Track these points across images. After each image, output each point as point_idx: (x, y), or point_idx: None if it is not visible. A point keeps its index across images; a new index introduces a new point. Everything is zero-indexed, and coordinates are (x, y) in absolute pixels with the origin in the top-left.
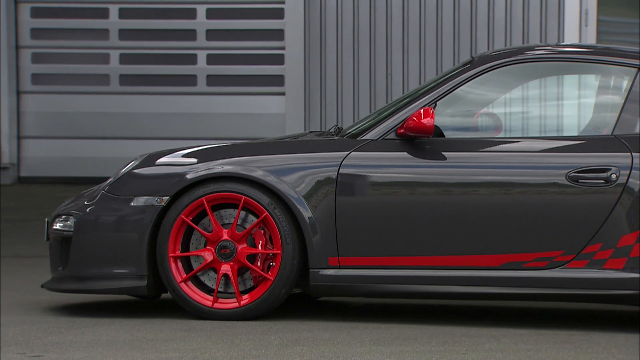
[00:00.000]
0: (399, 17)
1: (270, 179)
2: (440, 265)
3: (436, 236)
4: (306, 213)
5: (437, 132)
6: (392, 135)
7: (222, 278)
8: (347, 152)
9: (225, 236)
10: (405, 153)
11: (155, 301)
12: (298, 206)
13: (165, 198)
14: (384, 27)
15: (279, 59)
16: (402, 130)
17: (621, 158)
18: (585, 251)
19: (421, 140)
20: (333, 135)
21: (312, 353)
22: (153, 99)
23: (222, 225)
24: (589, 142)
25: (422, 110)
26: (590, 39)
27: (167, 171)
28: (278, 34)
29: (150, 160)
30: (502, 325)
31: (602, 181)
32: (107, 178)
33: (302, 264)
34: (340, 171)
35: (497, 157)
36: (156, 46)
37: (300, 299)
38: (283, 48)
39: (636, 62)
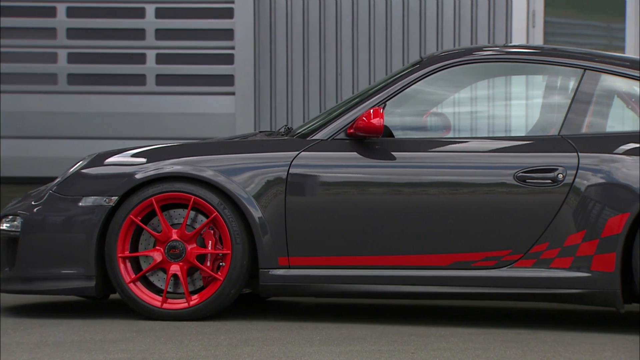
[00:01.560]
0: (349, 18)
1: (220, 179)
2: (390, 264)
3: (386, 236)
4: (256, 213)
5: (387, 132)
6: (341, 135)
7: (172, 278)
8: (297, 152)
9: (174, 236)
10: (355, 153)
11: (104, 302)
12: (248, 206)
13: (114, 198)
14: (334, 27)
15: (228, 59)
16: (351, 130)
17: (568, 158)
18: (532, 250)
19: (371, 140)
20: (283, 135)
21: (261, 353)
22: (102, 98)
23: (171, 225)
24: (536, 142)
25: (371, 111)
26: (538, 39)
27: (115, 171)
28: (227, 34)
29: (98, 160)
30: (451, 325)
31: (549, 181)
32: (55, 178)
33: (252, 264)
34: (290, 171)
35: (446, 157)
36: (105, 45)
37: (250, 299)
38: (233, 48)
39: (582, 63)
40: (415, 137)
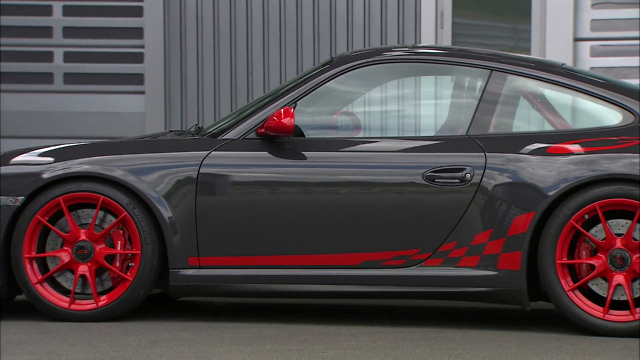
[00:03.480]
0: (259, 17)
1: (130, 179)
2: (301, 264)
3: (296, 235)
4: (166, 213)
5: (298, 131)
6: (252, 135)
7: (80, 279)
8: (208, 152)
9: (82, 236)
10: (266, 153)
11: (10, 303)
12: (158, 206)
13: (20, 198)
14: (245, 26)
15: (138, 58)
16: (262, 130)
17: (475, 158)
18: (440, 249)
19: (282, 140)
20: (193, 134)
21: (171, 353)
22: (7, 97)
23: (79, 225)
24: (444, 142)
25: (282, 110)
26: (446, 40)
27: (22, 170)
28: (137, 32)
29: (4, 159)
30: (361, 323)
31: (457, 181)
32: None
33: (162, 264)
34: (201, 171)
35: (356, 157)
36: (10, 43)
37: (160, 300)
38: (142, 46)
39: (489, 63)
40: (326, 136)
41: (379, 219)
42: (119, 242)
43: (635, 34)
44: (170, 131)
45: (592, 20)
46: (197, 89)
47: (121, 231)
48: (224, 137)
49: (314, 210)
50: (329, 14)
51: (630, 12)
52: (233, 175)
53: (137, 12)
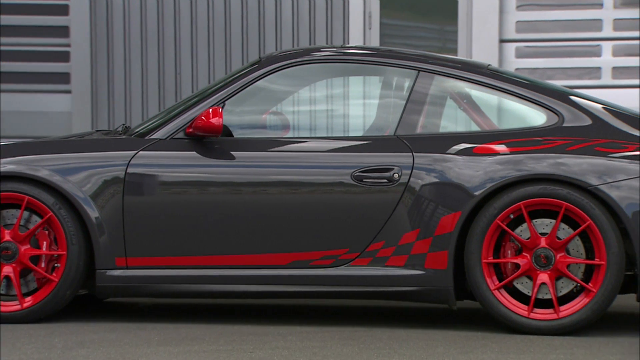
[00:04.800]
0: (187, 16)
1: (56, 179)
2: (229, 264)
3: (225, 235)
4: (93, 213)
5: (226, 131)
6: (180, 135)
7: (4, 280)
8: (135, 152)
9: (7, 237)
10: (194, 152)
11: None
12: (84, 206)
13: None
14: (172, 25)
15: (64, 57)
16: (190, 130)
17: (403, 158)
18: (369, 249)
19: (210, 140)
20: (121, 134)
21: (97, 355)
22: None
23: (4, 226)
24: (373, 143)
25: (210, 110)
26: (374, 41)
27: None
28: (63, 31)
29: None
30: (289, 323)
31: (386, 180)
32: None
33: (88, 264)
34: (128, 170)
35: (285, 157)
36: None
37: (87, 301)
38: (68, 45)
39: (417, 64)
40: (255, 136)
41: (308, 219)
42: (45, 242)
43: (559, 35)
44: (97, 131)
45: (517, 21)
46: (124, 89)
47: (47, 232)
48: (151, 137)
49: (242, 210)
50: (258, 13)
51: (555, 14)
52: (161, 175)
53: (63, 10)
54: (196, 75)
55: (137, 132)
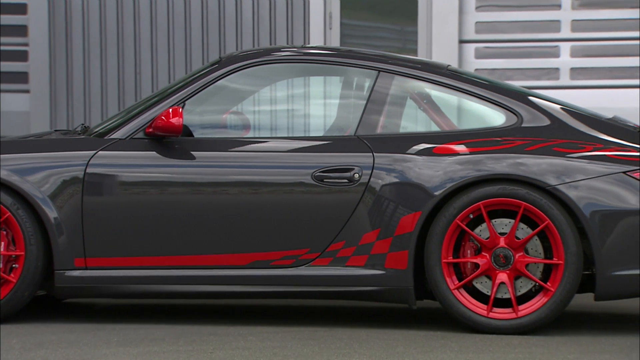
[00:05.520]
0: (147, 16)
1: (14, 179)
2: (190, 264)
3: (185, 236)
4: (51, 213)
5: (186, 131)
6: (140, 135)
7: None
8: (94, 152)
9: None
10: (154, 152)
11: None
12: (43, 206)
13: None
14: (132, 25)
15: (22, 56)
16: (150, 130)
17: (363, 158)
18: (329, 249)
19: (170, 140)
20: (80, 134)
21: (56, 356)
22: None
23: None
24: (333, 143)
25: (170, 110)
26: (335, 41)
27: None
28: (21, 30)
29: None
30: (249, 323)
31: (346, 181)
32: None
33: (47, 265)
34: (87, 170)
35: (246, 157)
36: None
37: (45, 301)
38: (27, 45)
39: (377, 64)
40: (215, 136)
41: (268, 219)
42: (2, 243)
43: (518, 36)
44: (56, 130)
45: (477, 22)
46: (83, 88)
47: (4, 232)
48: (111, 137)
49: (202, 210)
50: (218, 13)
51: (514, 15)
52: (120, 175)
53: (21, 9)
54: (156, 75)
55: (96, 132)
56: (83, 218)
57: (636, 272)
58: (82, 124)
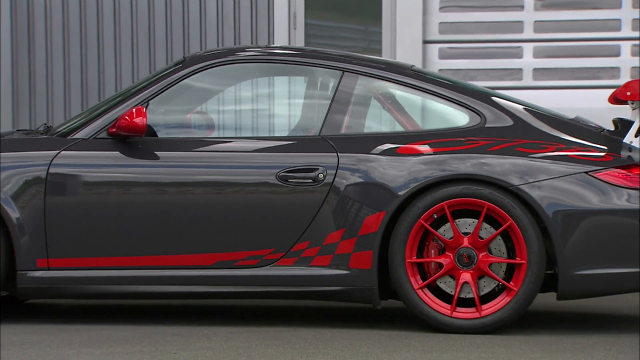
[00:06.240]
0: (110, 16)
1: None
2: (154, 265)
3: (149, 236)
4: (14, 214)
5: (150, 131)
6: (103, 135)
7: None
8: (57, 152)
9: None
10: (118, 152)
11: None
12: (5, 207)
13: None
14: (95, 25)
15: None
16: (114, 130)
17: (328, 158)
18: (294, 249)
19: (134, 140)
20: (42, 134)
21: (18, 357)
22: None
23: None
24: (298, 143)
25: (134, 110)
26: (299, 41)
27: None
28: None
29: None
30: (214, 324)
31: (310, 181)
32: None
33: (9, 265)
34: (50, 170)
35: (210, 157)
36: None
37: (7, 302)
38: None
39: (341, 65)
40: (179, 136)
41: (233, 219)
42: None
43: (482, 36)
44: (18, 130)
45: (441, 23)
46: (46, 88)
47: None
48: (74, 137)
49: (166, 210)
50: (182, 13)
51: (477, 16)
52: (83, 175)
53: None
54: (120, 75)
55: (59, 131)
56: (46, 218)
57: (598, 271)
58: (45, 124)
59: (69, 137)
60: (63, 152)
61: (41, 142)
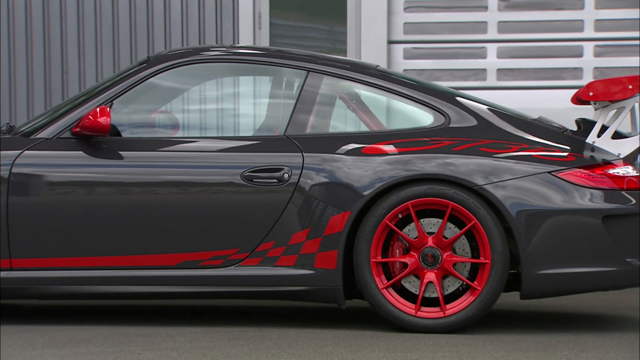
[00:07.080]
0: (74, 15)
1: None
2: (118, 265)
3: (113, 236)
4: None
5: (114, 131)
6: (67, 134)
7: None
8: (20, 151)
9: None
10: (82, 152)
11: None
12: None
13: None
14: (59, 23)
15: None
16: (77, 129)
17: (293, 158)
18: (259, 249)
19: (98, 140)
20: (5, 133)
21: None
22: None
23: None
24: (263, 143)
25: (98, 109)
26: (264, 41)
27: None
28: None
29: None
30: (178, 324)
31: (275, 180)
32: None
33: None
34: (13, 170)
35: (175, 157)
36: None
37: None
38: None
39: (306, 64)
40: (143, 136)
41: (197, 219)
42: None
43: (446, 37)
44: None
45: (405, 23)
46: (9, 87)
47: None
48: (37, 137)
49: (131, 210)
50: (146, 12)
51: (442, 16)
52: (47, 175)
53: None
54: (83, 74)
55: (22, 131)
56: (8, 218)
57: (561, 271)
58: (8, 123)
59: (32, 137)
60: (26, 151)
61: (4, 142)
